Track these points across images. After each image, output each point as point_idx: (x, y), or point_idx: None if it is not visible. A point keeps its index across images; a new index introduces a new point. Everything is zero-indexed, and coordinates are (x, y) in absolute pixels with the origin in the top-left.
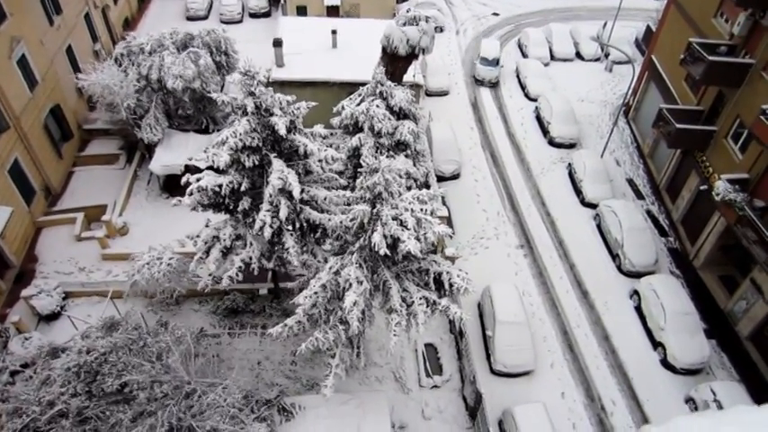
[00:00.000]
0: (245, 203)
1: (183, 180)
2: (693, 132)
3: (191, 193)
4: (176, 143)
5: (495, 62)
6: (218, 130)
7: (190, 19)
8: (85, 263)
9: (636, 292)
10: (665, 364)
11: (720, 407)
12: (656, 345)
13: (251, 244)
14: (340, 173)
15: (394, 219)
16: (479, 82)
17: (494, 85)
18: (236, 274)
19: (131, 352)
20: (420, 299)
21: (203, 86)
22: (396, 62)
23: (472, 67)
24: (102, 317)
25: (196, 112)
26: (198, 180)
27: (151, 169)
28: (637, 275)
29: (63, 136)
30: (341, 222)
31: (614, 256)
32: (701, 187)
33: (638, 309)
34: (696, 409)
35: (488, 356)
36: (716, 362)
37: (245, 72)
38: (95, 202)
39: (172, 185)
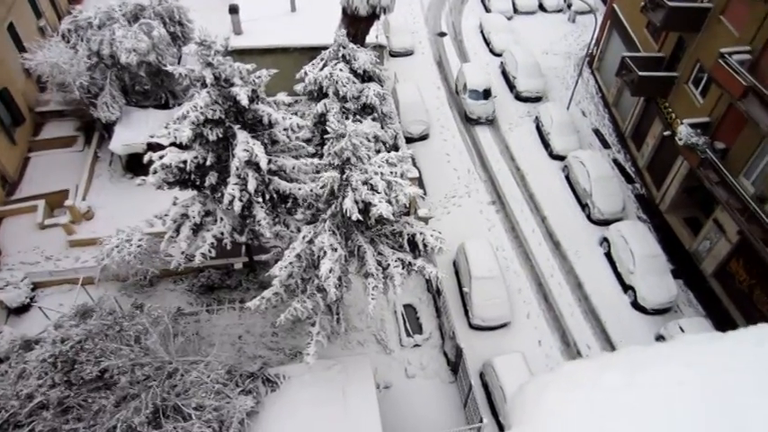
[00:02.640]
0: (211, 178)
1: (146, 158)
2: (656, 79)
3: (154, 172)
4: (136, 120)
5: (487, 93)
6: (179, 105)
7: None
8: (52, 251)
9: (605, 240)
10: (636, 305)
11: None
12: (627, 288)
13: (221, 219)
14: (307, 140)
15: (364, 183)
16: (472, 120)
17: (490, 122)
18: (209, 251)
19: (108, 337)
20: (395, 261)
21: (159, 59)
22: (357, 23)
23: (461, 101)
24: (75, 305)
25: (154, 87)
26: (161, 157)
27: (112, 149)
28: (606, 223)
29: (14, 121)
30: (311, 191)
31: (584, 206)
32: (665, 133)
33: (608, 255)
34: None
35: (466, 312)
36: (683, 300)
37: (202, 42)
38: (56, 187)
39: (135, 164)
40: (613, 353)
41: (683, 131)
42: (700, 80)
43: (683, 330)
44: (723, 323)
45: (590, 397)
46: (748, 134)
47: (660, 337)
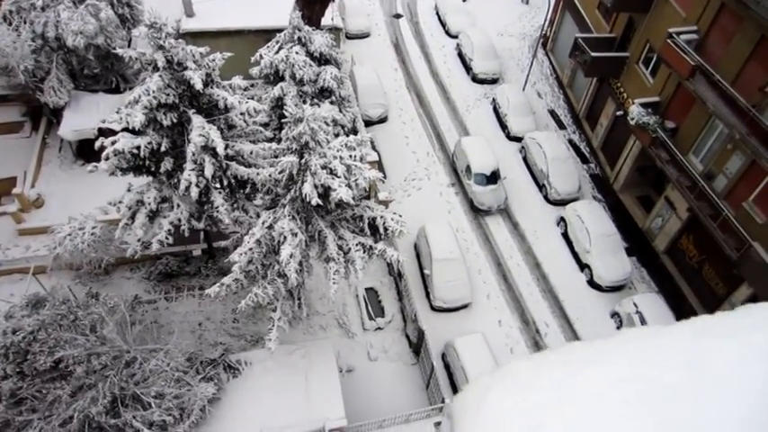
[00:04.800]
0: (167, 164)
1: (97, 144)
2: (608, 60)
3: (107, 158)
4: (86, 105)
5: (495, 176)
6: (131, 89)
7: None
8: (0, 240)
9: (562, 219)
10: (592, 283)
11: (642, 317)
12: (583, 267)
13: (178, 205)
14: (265, 125)
15: (323, 167)
16: (481, 211)
17: (502, 211)
18: (166, 238)
19: (62, 327)
20: (356, 245)
21: (108, 42)
22: (312, 5)
23: (465, 186)
24: (26, 294)
25: (104, 71)
26: (113, 143)
27: (61, 135)
28: (562, 203)
29: None
30: (270, 176)
31: (541, 187)
32: (618, 113)
33: (565, 235)
34: (621, 321)
35: (428, 294)
36: (637, 277)
37: (152, 24)
38: (3, 175)
39: (86, 151)
40: (551, 350)
41: (635, 111)
42: (650, 60)
43: (636, 306)
44: (675, 299)
45: (528, 399)
46: (696, 113)
47: (615, 314)
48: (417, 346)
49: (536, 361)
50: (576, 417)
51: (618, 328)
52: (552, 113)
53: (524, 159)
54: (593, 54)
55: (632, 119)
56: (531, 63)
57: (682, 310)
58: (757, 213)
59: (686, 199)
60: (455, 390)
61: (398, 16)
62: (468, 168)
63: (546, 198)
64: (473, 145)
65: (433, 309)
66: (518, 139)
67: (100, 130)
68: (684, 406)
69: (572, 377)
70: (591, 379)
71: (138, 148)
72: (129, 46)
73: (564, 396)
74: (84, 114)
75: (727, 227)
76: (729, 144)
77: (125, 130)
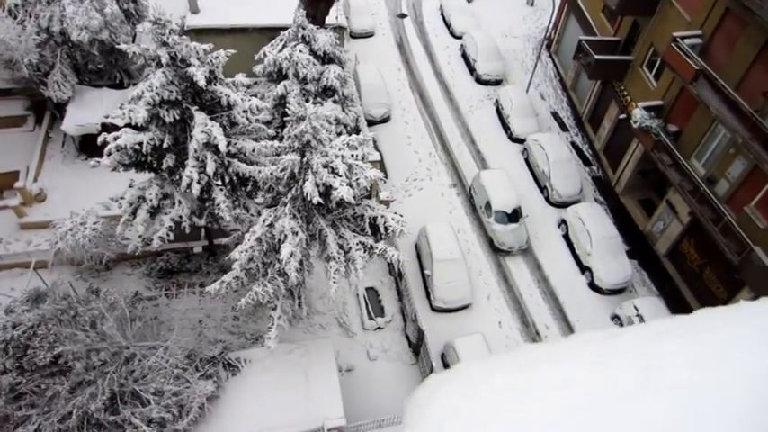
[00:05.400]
0: (169, 161)
1: (100, 139)
2: (611, 63)
3: (109, 153)
4: (89, 100)
5: (517, 214)
6: (134, 84)
7: None
8: (2, 234)
9: (563, 221)
10: (593, 286)
11: (642, 320)
12: (584, 269)
13: (179, 202)
14: (267, 123)
15: (325, 166)
16: (502, 252)
17: (524, 251)
18: (167, 234)
19: (62, 322)
20: (357, 244)
21: (112, 37)
22: (317, 4)
23: (484, 225)
24: (27, 289)
25: (107, 66)
26: (116, 139)
27: (64, 130)
28: (564, 205)
29: None
30: (271, 173)
31: (542, 188)
32: (621, 116)
33: (566, 237)
34: (621, 324)
35: (428, 294)
36: (637, 280)
37: (156, 20)
38: (5, 168)
39: (89, 146)
40: (507, 352)
41: (638, 114)
42: (653, 64)
43: (637, 309)
44: (676, 302)
45: (477, 397)
46: (699, 117)
47: (616, 317)
48: (417, 346)
49: (490, 361)
50: (522, 416)
51: None
52: (555, 115)
53: (526, 161)
54: (597, 57)
55: (635, 122)
56: (535, 65)
57: (683, 314)
58: (759, 218)
59: (688, 203)
60: None
61: (403, 16)
62: (488, 205)
63: (547, 200)
64: (493, 180)
65: (434, 309)
66: (520, 141)
67: (103, 125)
68: (632, 410)
69: (523, 376)
70: (540, 379)
71: (141, 144)
72: (133, 41)
73: (512, 395)
74: (88, 109)
75: (729, 231)
76: (732, 149)
77: (128, 125)
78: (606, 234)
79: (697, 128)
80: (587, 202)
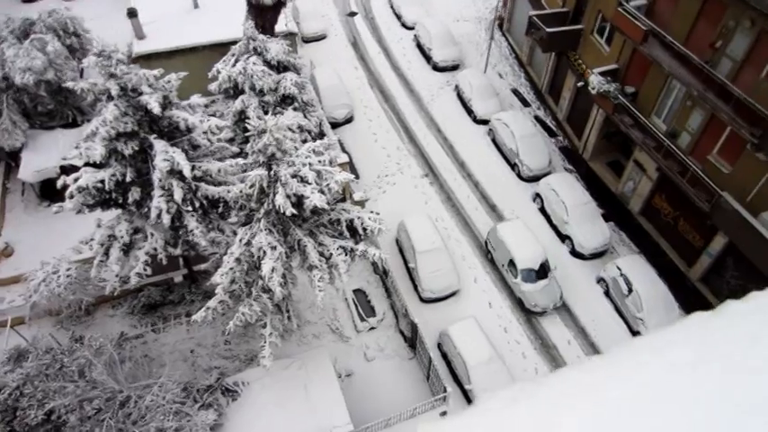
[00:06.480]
0: (134, 194)
1: (60, 183)
2: (563, 34)
3: (71, 196)
4: (44, 144)
5: (545, 269)
6: (88, 121)
7: (25, 0)
8: None
9: (537, 195)
10: (575, 253)
11: (627, 279)
12: (564, 238)
13: (152, 234)
14: (230, 140)
15: (293, 176)
16: (534, 313)
17: (559, 308)
18: (144, 269)
19: (49, 377)
20: (337, 249)
21: (58, 76)
22: (264, 13)
23: (511, 285)
24: (6, 349)
25: (58, 106)
26: (75, 180)
27: (22, 178)
28: (535, 179)
29: None
30: (240, 191)
31: (512, 166)
32: (579, 84)
33: (542, 209)
34: (607, 286)
35: (415, 287)
36: (616, 240)
37: (100, 53)
38: None
39: (50, 191)
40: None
41: (595, 80)
42: (603, 29)
43: (620, 269)
44: (656, 257)
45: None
46: (654, 75)
47: (601, 280)
48: (412, 339)
49: (457, 419)
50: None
51: (605, 293)
52: (515, 92)
53: (493, 141)
54: (549, 30)
55: (593, 88)
56: (490, 45)
57: (663, 267)
58: (723, 164)
59: (654, 159)
60: (455, 378)
61: (353, 14)
62: (512, 263)
63: (519, 176)
64: (512, 233)
65: (423, 300)
66: (485, 122)
67: (62, 168)
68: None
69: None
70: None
71: (103, 181)
72: (81, 77)
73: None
74: (44, 153)
75: (696, 181)
76: (688, 101)
77: (87, 164)
78: (580, 201)
79: (653, 86)
80: (558, 173)
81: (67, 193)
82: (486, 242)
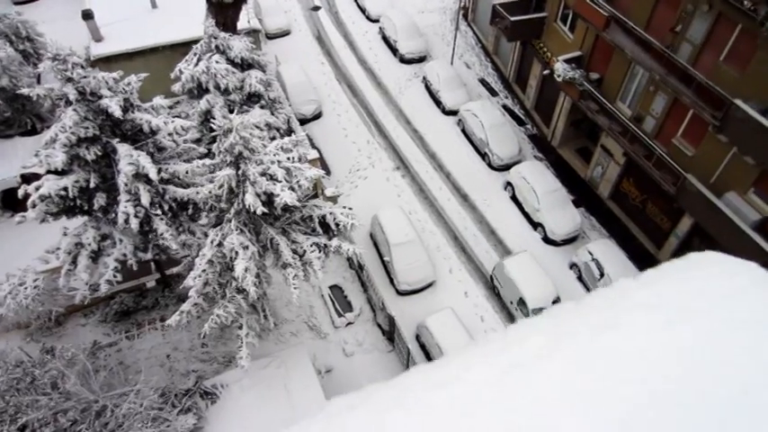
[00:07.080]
0: (100, 200)
1: (21, 192)
2: (527, 22)
3: (34, 205)
4: (3, 153)
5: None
6: (48, 128)
7: None
8: None
9: (509, 183)
10: (547, 240)
11: (598, 263)
12: (536, 225)
13: (120, 240)
14: (196, 141)
15: (262, 174)
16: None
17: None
18: (114, 276)
19: (20, 391)
20: (311, 246)
21: (13, 83)
22: (225, 10)
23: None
24: None
25: (15, 114)
26: (37, 188)
27: None
28: (506, 168)
29: None
30: (210, 192)
31: (483, 155)
32: (544, 72)
33: (514, 198)
34: (579, 271)
35: (391, 280)
36: (587, 226)
37: (55, 57)
38: None
39: (12, 201)
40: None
41: (560, 68)
42: (567, 17)
43: (591, 254)
44: (626, 240)
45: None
46: (617, 61)
47: (573, 265)
48: (390, 332)
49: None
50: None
51: (578, 278)
52: (483, 82)
53: (463, 131)
54: (513, 18)
55: (558, 76)
56: (455, 36)
57: (633, 250)
58: (686, 147)
59: (620, 144)
60: None
61: (317, 9)
62: (522, 302)
63: (490, 165)
64: (520, 269)
65: (399, 293)
66: (454, 113)
67: (23, 176)
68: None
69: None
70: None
71: (66, 188)
72: (39, 82)
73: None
74: (3, 163)
75: (662, 164)
76: (651, 86)
77: (49, 172)
78: (551, 188)
79: (617, 72)
80: (528, 161)
81: (29, 201)
82: (491, 277)
